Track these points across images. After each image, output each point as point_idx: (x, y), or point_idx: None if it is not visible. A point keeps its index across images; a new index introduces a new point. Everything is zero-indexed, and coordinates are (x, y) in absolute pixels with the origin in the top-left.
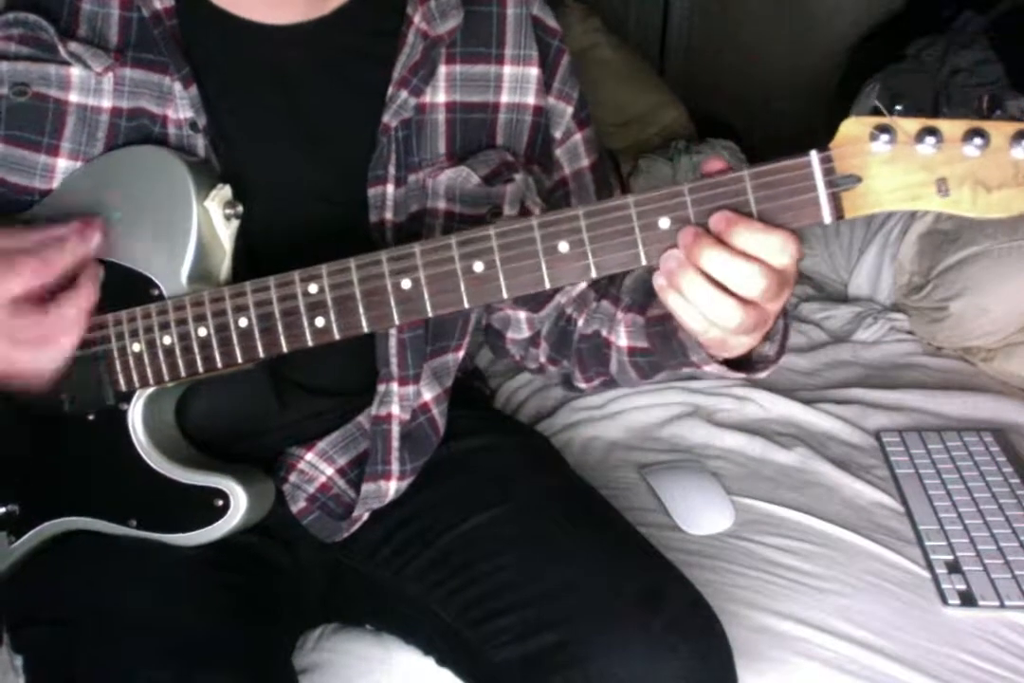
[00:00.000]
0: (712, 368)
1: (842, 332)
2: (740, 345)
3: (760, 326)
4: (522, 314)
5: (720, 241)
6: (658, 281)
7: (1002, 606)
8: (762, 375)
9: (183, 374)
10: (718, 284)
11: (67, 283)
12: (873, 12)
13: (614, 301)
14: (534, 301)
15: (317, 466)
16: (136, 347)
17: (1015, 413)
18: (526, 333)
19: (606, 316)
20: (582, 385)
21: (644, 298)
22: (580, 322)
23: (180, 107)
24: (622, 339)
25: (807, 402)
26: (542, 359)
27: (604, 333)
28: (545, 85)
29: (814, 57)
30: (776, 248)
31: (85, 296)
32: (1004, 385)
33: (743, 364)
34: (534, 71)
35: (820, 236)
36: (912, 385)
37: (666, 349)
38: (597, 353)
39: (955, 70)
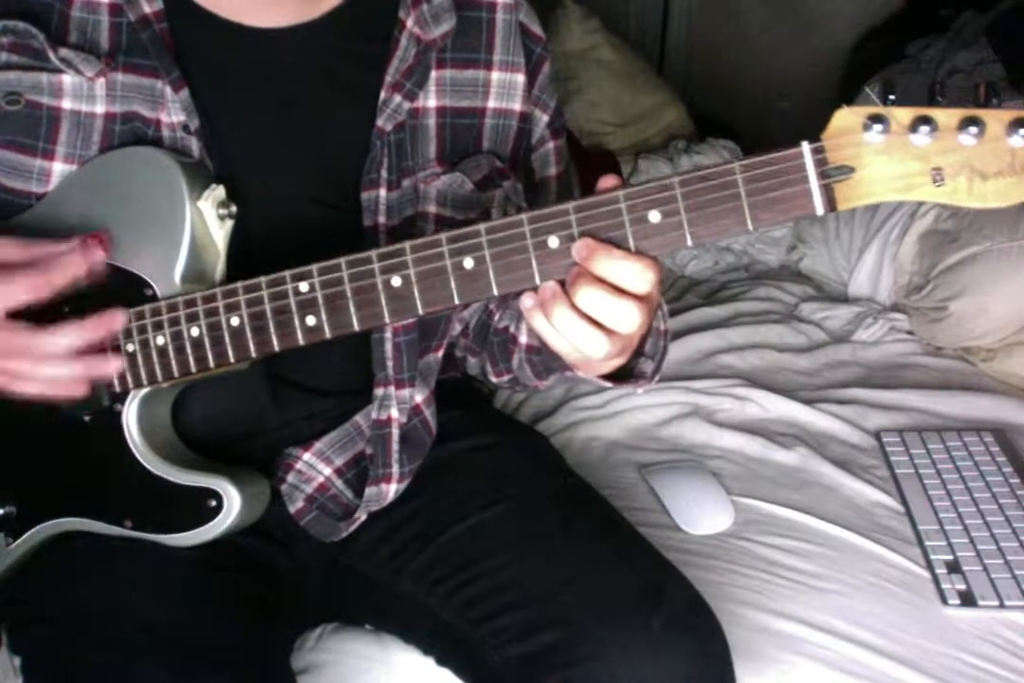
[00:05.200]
0: (583, 374)
1: (842, 332)
2: (606, 367)
3: (626, 350)
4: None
5: (599, 280)
6: (526, 303)
7: (1002, 606)
8: (640, 390)
9: (176, 374)
10: (589, 318)
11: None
12: (873, 12)
13: (527, 297)
14: None
15: (315, 466)
16: (130, 348)
17: (1015, 413)
18: (458, 326)
19: (518, 313)
20: (493, 379)
21: None
22: (497, 316)
23: (172, 111)
24: (523, 336)
25: (807, 402)
26: (466, 349)
27: (512, 329)
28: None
29: (814, 57)
30: (635, 275)
31: (84, 331)
32: (1004, 385)
33: (617, 377)
34: (521, 78)
35: (820, 236)
36: (912, 385)
37: (548, 350)
38: (504, 348)
39: (954, 70)
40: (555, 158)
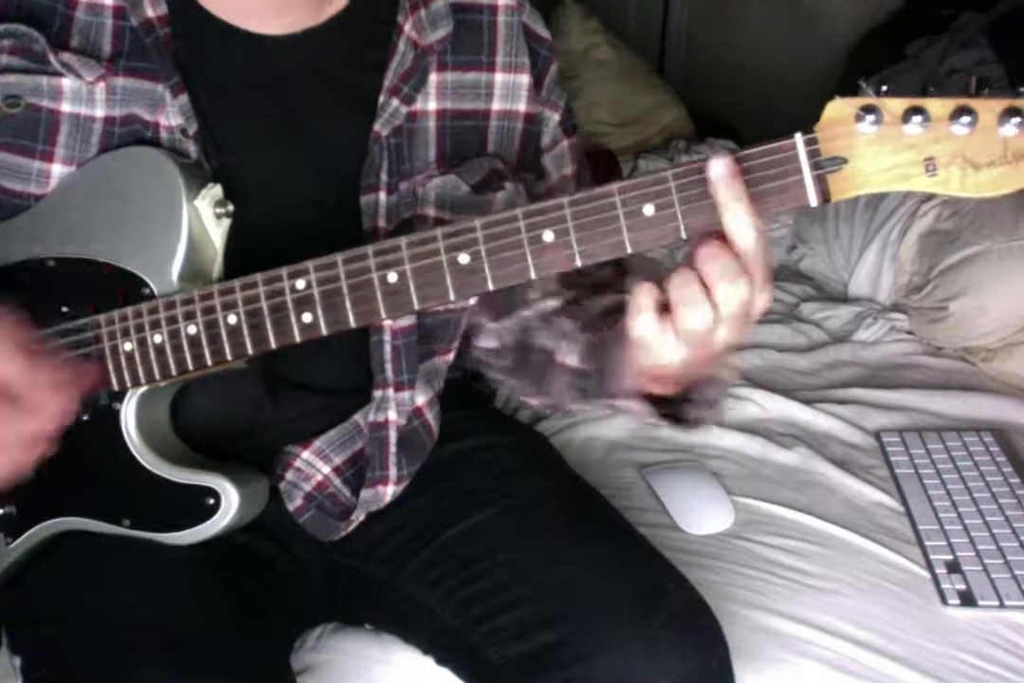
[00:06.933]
0: (634, 404)
1: (842, 332)
2: (669, 382)
3: (697, 364)
4: (485, 322)
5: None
6: (642, 299)
7: (1002, 606)
8: (691, 432)
9: (174, 372)
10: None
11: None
12: (873, 12)
13: (574, 320)
14: (494, 310)
15: (314, 464)
16: (128, 346)
17: (1015, 413)
18: (493, 342)
19: (561, 334)
20: (532, 401)
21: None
22: (539, 336)
23: (171, 114)
24: (569, 358)
25: (807, 402)
26: (503, 370)
27: (554, 351)
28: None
29: (814, 57)
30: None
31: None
32: (1004, 385)
33: (671, 417)
34: (525, 79)
35: (820, 236)
36: (912, 385)
37: (595, 374)
38: (544, 370)
39: (953, 70)
40: (571, 156)
